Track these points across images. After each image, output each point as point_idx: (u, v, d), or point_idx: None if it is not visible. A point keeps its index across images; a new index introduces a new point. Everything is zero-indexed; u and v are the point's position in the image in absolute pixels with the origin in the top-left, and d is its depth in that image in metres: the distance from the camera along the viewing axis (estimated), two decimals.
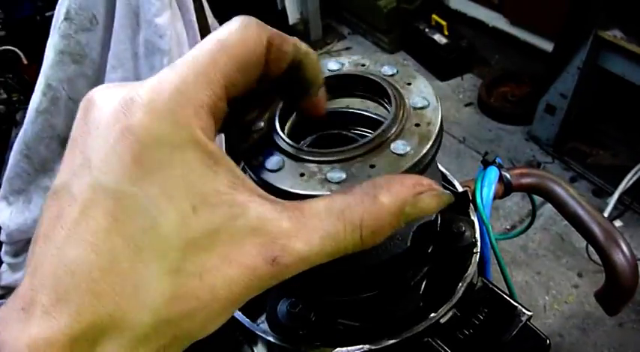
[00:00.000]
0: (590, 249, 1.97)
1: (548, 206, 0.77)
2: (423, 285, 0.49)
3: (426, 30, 3.11)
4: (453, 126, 2.93)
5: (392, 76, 0.38)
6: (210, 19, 1.18)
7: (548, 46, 2.71)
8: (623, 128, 2.55)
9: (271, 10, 3.33)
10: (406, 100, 0.35)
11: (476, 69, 3.19)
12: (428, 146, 0.32)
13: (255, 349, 0.64)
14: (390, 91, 0.35)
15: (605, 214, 2.25)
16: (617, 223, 2.34)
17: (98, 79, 1.02)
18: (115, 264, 0.23)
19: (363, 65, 0.39)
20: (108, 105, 0.26)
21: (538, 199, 0.75)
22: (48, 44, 0.99)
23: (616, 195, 2.24)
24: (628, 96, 2.30)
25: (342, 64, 0.40)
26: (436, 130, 0.33)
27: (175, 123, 0.25)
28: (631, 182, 2.23)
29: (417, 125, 0.33)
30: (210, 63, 0.27)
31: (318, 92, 0.34)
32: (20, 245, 1.17)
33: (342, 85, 0.39)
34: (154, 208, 0.24)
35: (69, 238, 0.24)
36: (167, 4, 0.90)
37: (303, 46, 0.32)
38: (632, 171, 2.23)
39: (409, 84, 0.36)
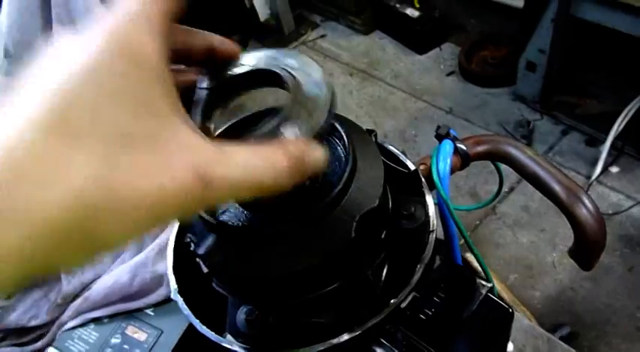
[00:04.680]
0: None
1: None
2: (384, 273, 0.49)
3: (397, 5, 3.07)
4: (438, 98, 2.90)
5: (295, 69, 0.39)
6: None
7: (520, 3, 2.68)
8: (607, 75, 2.52)
9: (240, 10, 3.30)
10: (303, 89, 0.37)
11: (453, 37, 3.16)
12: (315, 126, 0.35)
13: None
14: (290, 82, 0.37)
15: (600, 162, 2.24)
16: (614, 169, 2.32)
17: None
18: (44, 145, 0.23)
19: (275, 58, 0.40)
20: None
21: None
22: None
23: (608, 142, 2.22)
24: (606, 42, 2.28)
25: (259, 58, 0.41)
26: (324, 116, 0.35)
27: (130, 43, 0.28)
28: (621, 127, 2.21)
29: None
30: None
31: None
32: None
33: (256, 76, 0.40)
34: (102, 103, 0.25)
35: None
36: None
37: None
38: (621, 116, 2.21)
39: (309, 75, 0.38)
